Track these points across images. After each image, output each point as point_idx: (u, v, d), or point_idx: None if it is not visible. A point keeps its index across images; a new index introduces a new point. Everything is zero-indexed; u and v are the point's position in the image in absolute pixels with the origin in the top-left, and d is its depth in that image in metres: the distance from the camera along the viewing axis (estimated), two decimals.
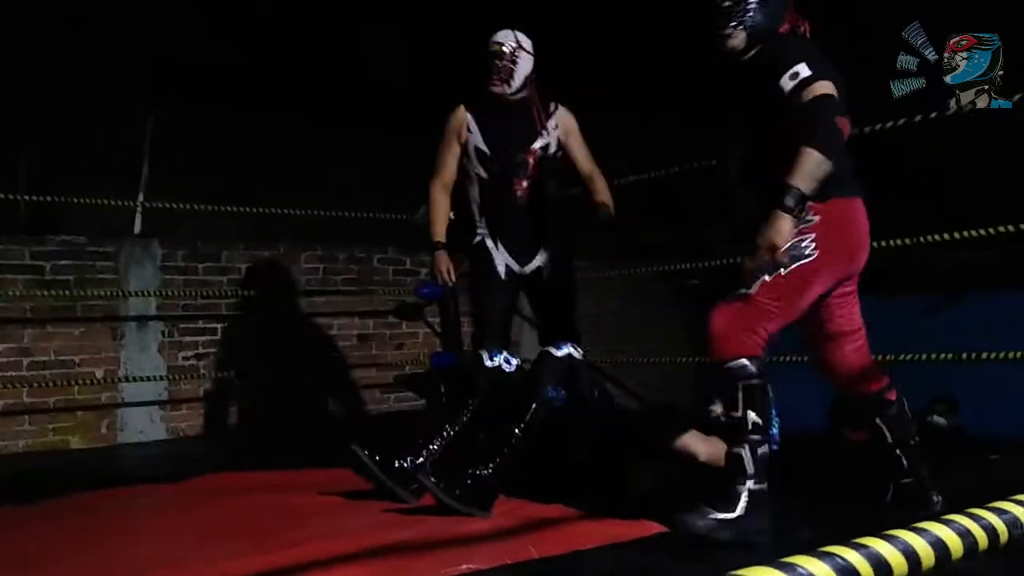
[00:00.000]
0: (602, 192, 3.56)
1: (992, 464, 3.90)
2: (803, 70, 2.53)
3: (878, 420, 2.87)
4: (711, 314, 2.60)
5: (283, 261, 5.64)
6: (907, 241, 3.98)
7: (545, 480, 3.27)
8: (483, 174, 3.51)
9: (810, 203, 2.52)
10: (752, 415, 2.54)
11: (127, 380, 5.00)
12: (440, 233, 3.59)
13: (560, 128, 3.53)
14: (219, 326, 5.37)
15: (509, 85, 3.45)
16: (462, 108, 3.55)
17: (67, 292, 4.82)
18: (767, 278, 2.55)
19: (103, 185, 4.98)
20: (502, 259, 3.50)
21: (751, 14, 2.67)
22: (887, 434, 2.86)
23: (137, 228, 5.34)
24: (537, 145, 3.47)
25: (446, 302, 5.32)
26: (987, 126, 3.68)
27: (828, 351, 2.84)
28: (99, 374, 4.95)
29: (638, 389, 6.17)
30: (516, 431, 3.21)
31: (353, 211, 5.67)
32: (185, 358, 5.25)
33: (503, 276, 3.51)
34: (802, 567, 0.77)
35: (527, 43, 3.48)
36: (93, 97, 5.01)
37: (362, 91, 5.64)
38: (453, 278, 3.61)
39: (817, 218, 2.57)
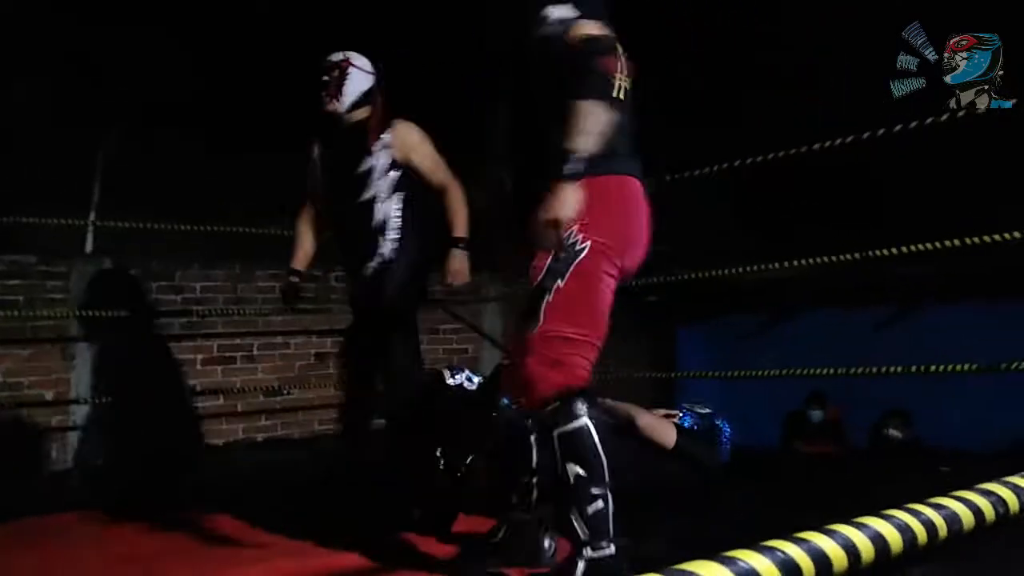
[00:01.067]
0: (455, 208, 3.30)
1: (940, 476, 3.95)
2: (564, 12, 2.14)
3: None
4: (518, 358, 2.16)
5: (238, 280, 5.57)
6: (858, 256, 4.01)
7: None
8: (326, 201, 3.40)
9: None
10: (573, 468, 2.07)
11: (78, 402, 4.90)
12: (296, 261, 3.49)
13: (396, 146, 3.25)
14: (174, 346, 5.29)
15: (339, 101, 3.27)
16: (312, 141, 3.45)
17: (17, 312, 4.71)
18: (549, 298, 2.11)
19: (54, 204, 4.89)
20: (354, 288, 3.39)
21: None
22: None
23: (89, 247, 5.25)
24: (366, 167, 3.24)
25: None
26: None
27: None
28: (49, 396, 4.84)
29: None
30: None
31: None
32: None
33: (357, 305, 3.39)
34: (743, 560, 0.77)
35: (360, 60, 3.33)
36: (45, 118, 4.92)
37: (310, 113, 5.60)
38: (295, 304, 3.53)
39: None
